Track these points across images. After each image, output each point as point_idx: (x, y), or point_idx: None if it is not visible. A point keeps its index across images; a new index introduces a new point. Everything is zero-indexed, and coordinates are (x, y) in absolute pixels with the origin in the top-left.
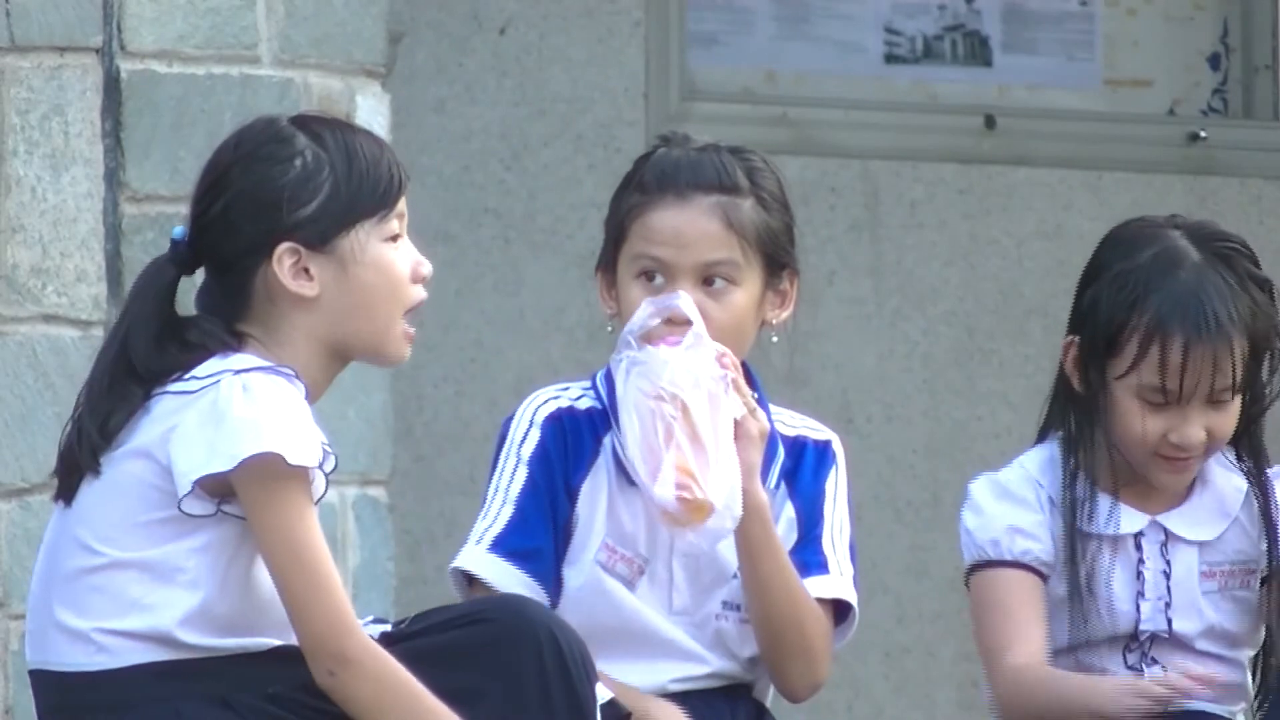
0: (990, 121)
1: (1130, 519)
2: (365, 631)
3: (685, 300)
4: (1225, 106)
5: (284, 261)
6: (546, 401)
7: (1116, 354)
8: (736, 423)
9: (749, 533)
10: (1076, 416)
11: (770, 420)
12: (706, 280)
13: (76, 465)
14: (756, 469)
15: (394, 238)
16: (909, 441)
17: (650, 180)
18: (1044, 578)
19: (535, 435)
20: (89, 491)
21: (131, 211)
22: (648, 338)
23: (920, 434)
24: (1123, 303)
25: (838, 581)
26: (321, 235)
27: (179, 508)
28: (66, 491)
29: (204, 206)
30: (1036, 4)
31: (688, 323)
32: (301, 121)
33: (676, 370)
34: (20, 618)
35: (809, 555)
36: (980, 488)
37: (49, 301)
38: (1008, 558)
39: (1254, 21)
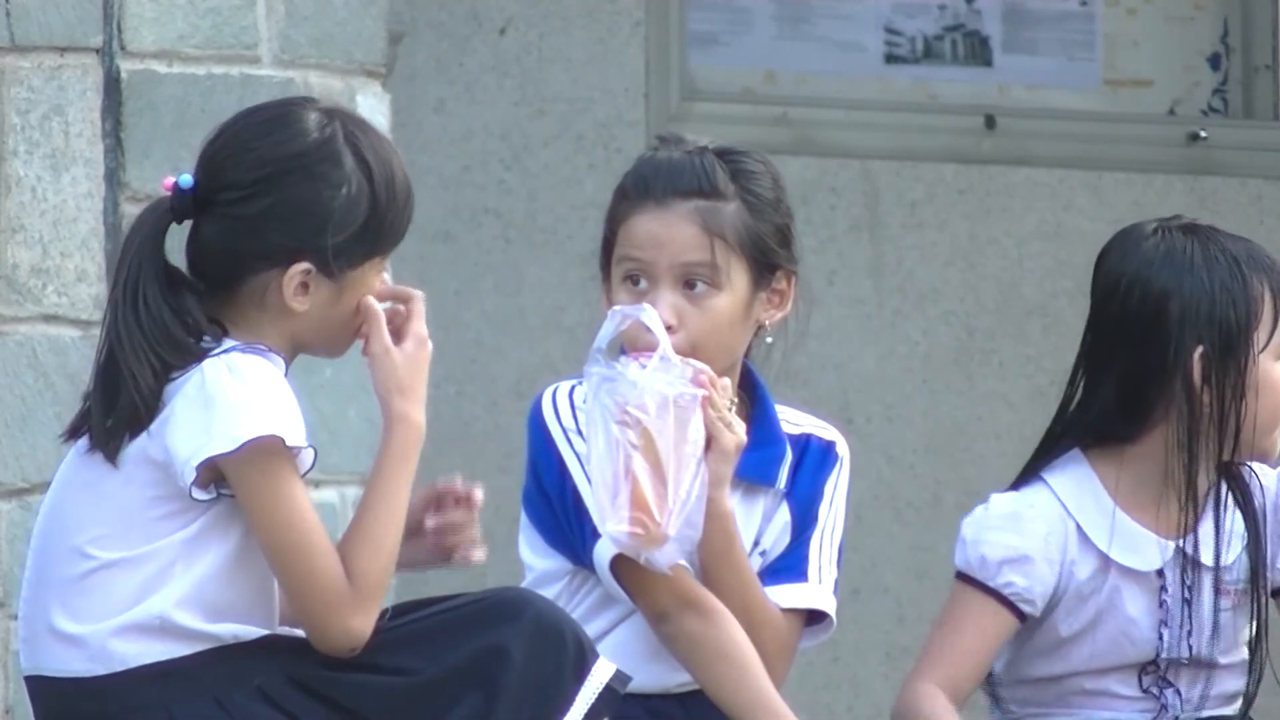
0: (990, 121)
1: (1159, 549)
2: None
3: (650, 314)
4: (1225, 106)
5: (294, 279)
6: (573, 390)
7: (1256, 325)
8: (709, 439)
9: (710, 542)
10: (1195, 429)
11: (776, 421)
12: (687, 284)
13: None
14: (726, 480)
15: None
16: (909, 441)
17: (630, 186)
18: (1021, 616)
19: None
20: (80, 500)
21: (132, 211)
22: (632, 343)
23: (920, 434)
24: (1231, 283)
25: (814, 591)
26: (339, 265)
27: (190, 495)
28: (108, 442)
29: (241, 194)
30: (1036, 4)
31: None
32: (351, 137)
33: (644, 393)
34: None
35: (792, 560)
36: (1001, 503)
37: (49, 301)
38: (989, 584)
39: (1254, 21)
